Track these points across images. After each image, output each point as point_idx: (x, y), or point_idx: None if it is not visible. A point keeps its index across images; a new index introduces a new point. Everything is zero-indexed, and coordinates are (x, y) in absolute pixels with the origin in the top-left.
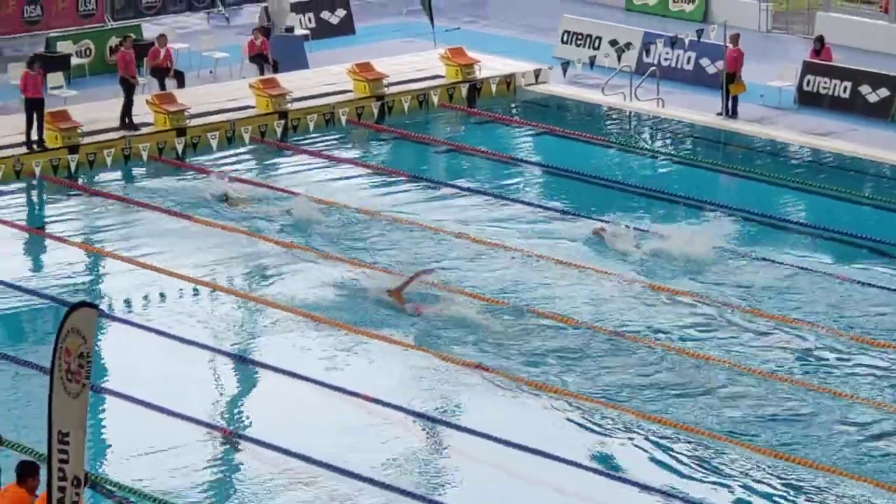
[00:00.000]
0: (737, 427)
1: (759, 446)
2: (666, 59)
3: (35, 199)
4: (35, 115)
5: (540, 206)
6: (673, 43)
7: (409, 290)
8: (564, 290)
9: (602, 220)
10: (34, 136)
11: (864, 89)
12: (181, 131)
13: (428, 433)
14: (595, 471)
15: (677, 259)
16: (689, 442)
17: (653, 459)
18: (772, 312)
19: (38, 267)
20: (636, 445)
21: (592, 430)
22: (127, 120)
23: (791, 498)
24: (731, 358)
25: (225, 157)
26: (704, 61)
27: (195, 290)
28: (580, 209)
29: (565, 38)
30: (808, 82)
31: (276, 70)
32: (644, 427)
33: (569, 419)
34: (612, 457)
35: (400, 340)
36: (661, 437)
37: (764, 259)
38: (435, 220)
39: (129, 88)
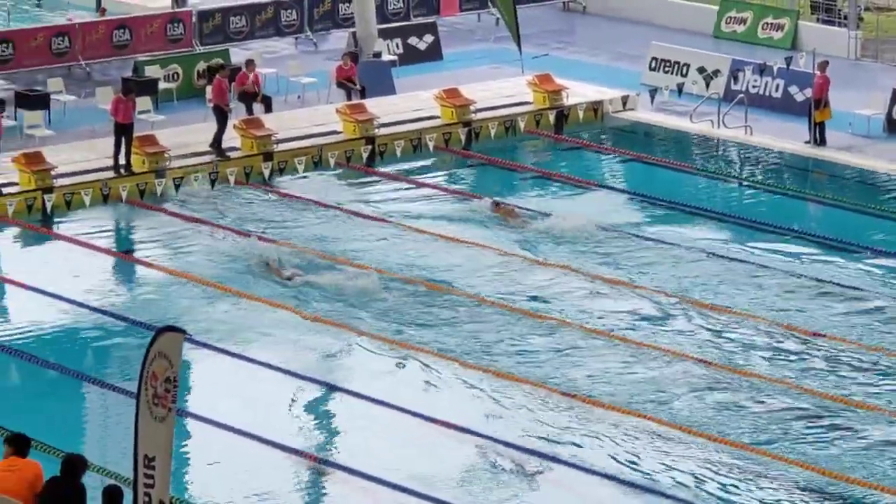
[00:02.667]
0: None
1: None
2: (754, 87)
3: (122, 223)
4: (124, 140)
5: (627, 233)
6: (761, 70)
7: None
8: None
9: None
10: (122, 161)
11: None
12: (268, 156)
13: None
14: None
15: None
16: (524, 391)
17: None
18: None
19: (124, 291)
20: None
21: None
22: (218, 147)
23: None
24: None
25: (311, 181)
26: (793, 89)
27: (278, 314)
28: (663, 235)
29: (653, 65)
30: None
31: (363, 95)
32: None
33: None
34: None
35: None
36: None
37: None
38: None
39: (222, 116)
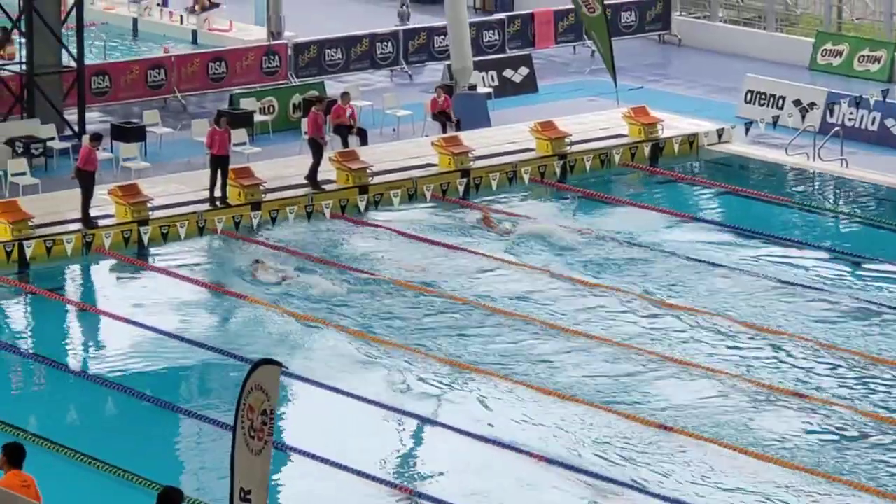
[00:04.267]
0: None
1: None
2: (850, 119)
3: (217, 255)
4: (219, 172)
5: (724, 266)
6: (857, 103)
7: None
8: None
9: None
10: (217, 193)
11: None
12: (363, 189)
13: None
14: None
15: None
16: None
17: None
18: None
19: (220, 324)
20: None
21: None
22: (313, 180)
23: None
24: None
25: (406, 212)
26: (890, 121)
27: (382, 349)
28: (757, 268)
29: (748, 98)
30: None
31: (458, 128)
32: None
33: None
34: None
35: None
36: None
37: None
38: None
39: (317, 149)
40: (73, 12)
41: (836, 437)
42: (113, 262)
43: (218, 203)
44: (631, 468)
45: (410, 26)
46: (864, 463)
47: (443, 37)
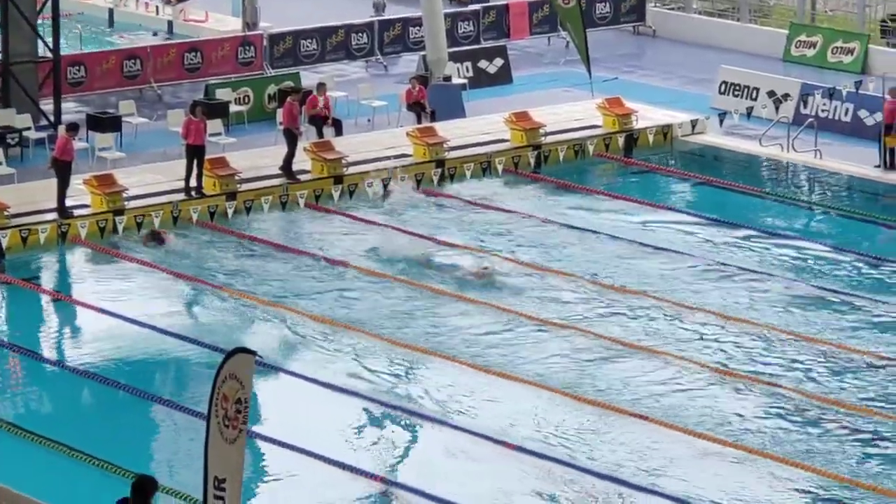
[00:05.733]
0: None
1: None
2: (824, 111)
3: (192, 245)
4: (196, 162)
5: (688, 255)
6: (831, 94)
7: None
8: None
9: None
10: (193, 183)
11: None
12: (338, 179)
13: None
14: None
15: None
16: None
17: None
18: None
19: (195, 313)
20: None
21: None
22: (288, 170)
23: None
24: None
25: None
26: (863, 113)
27: (352, 337)
28: (731, 258)
29: (723, 89)
30: None
31: (433, 118)
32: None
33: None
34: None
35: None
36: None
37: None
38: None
39: (292, 140)
40: (49, 2)
41: (791, 420)
42: (88, 251)
43: (193, 193)
44: (586, 451)
45: (386, 17)
46: (803, 442)
47: (418, 28)
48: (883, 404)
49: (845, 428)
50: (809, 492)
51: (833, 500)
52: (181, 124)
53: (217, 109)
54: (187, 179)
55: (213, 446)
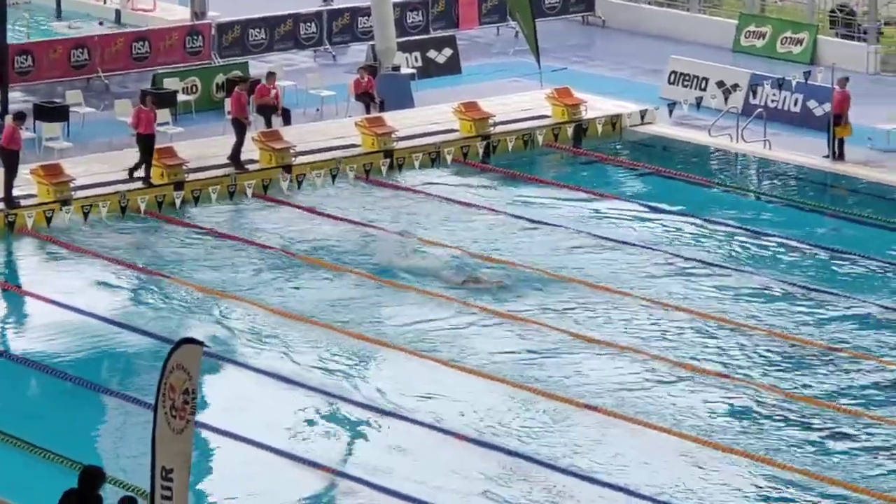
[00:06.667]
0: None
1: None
2: (773, 101)
3: (140, 235)
4: (145, 152)
5: (638, 246)
6: (780, 84)
7: None
8: None
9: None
10: (141, 174)
11: None
12: (287, 169)
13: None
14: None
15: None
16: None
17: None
18: None
19: (143, 304)
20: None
21: None
22: (236, 160)
23: None
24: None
25: (329, 194)
26: (812, 103)
27: (299, 328)
28: (680, 248)
29: (672, 79)
30: None
31: (382, 108)
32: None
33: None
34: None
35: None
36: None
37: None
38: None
39: (241, 129)
40: None
41: (741, 413)
42: (35, 241)
43: (141, 183)
44: (539, 443)
45: (334, 7)
46: (754, 434)
47: (367, 17)
48: (836, 397)
49: (801, 421)
50: (766, 484)
51: (789, 492)
52: (131, 114)
53: (165, 99)
54: (144, 168)
55: (161, 437)
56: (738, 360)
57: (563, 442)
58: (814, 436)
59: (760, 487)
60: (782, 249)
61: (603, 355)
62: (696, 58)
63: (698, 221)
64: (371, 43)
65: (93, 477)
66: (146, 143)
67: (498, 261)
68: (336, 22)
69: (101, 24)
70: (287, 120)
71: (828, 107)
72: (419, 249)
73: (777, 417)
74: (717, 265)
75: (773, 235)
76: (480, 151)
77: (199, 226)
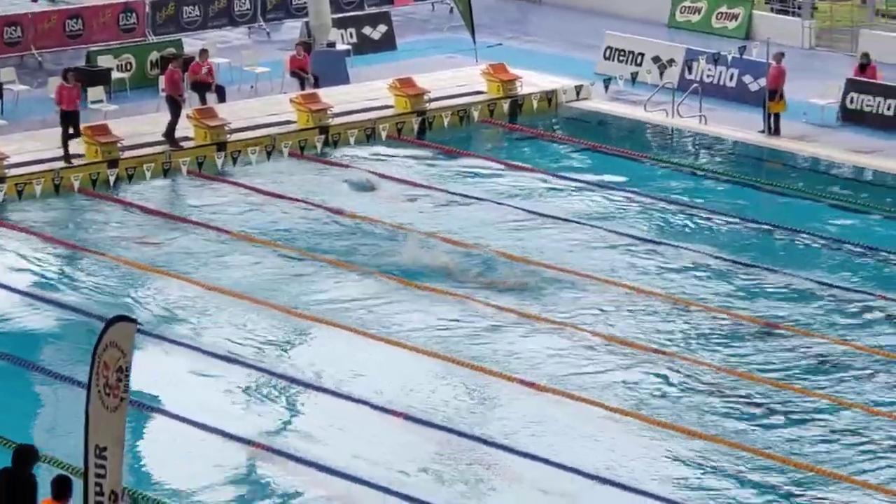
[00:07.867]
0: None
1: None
2: (708, 76)
3: (74, 213)
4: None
5: (575, 222)
6: (716, 60)
7: None
8: None
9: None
10: (71, 151)
11: None
12: (221, 146)
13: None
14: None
15: None
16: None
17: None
18: None
19: (76, 282)
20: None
21: None
22: (171, 137)
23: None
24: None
25: (266, 171)
26: (747, 78)
27: (232, 304)
28: (617, 224)
29: (608, 55)
30: (852, 100)
31: (317, 85)
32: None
33: None
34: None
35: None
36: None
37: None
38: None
39: (175, 107)
40: None
41: (675, 387)
42: None
43: (72, 160)
44: (474, 419)
45: None
46: (689, 408)
47: None
48: (770, 371)
49: (735, 394)
50: (698, 457)
51: (721, 464)
52: (54, 90)
53: (99, 76)
54: (65, 146)
55: (94, 415)
56: (674, 335)
57: (498, 417)
58: (748, 409)
59: (694, 461)
60: (718, 224)
61: (540, 332)
62: (631, 33)
63: (634, 196)
64: (305, 20)
65: (26, 455)
66: (68, 119)
67: (440, 238)
68: None
69: (34, 1)
70: (222, 97)
71: (763, 82)
72: (355, 226)
73: (710, 392)
74: (652, 241)
75: (709, 210)
76: (416, 127)
77: (133, 203)
